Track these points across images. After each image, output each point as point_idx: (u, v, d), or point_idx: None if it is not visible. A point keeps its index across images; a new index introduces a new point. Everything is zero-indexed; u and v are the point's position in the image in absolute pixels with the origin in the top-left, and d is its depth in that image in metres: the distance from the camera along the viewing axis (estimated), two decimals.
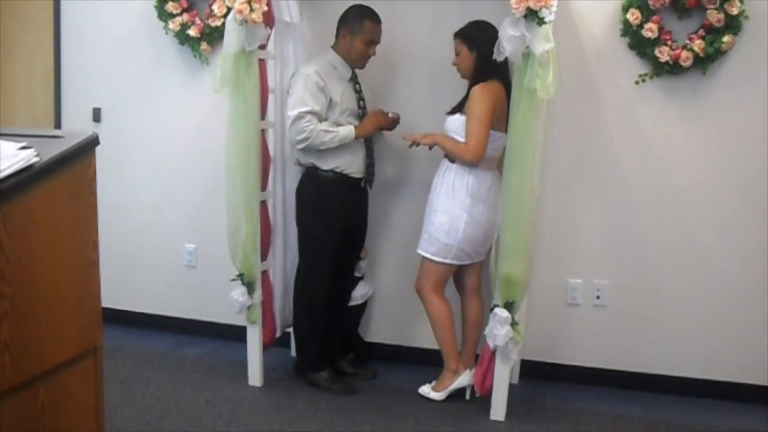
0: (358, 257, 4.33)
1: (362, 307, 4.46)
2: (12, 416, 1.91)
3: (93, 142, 2.14)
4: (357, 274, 4.39)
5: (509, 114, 3.60)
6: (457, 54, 3.87)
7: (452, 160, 3.86)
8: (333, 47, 4.08)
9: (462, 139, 3.78)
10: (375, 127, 4.07)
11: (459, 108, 3.85)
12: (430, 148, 3.98)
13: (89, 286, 2.17)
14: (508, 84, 3.77)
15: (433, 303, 3.94)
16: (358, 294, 4.39)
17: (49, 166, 1.95)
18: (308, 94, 3.89)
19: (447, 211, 3.82)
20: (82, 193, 2.13)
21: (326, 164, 4.00)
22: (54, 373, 2.05)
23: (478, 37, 3.77)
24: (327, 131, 3.90)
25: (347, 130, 3.96)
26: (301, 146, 3.93)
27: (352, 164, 4.03)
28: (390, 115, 4.09)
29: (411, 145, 3.98)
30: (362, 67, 4.09)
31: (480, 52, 3.77)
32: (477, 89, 3.75)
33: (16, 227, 1.86)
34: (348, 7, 4.05)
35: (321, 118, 3.92)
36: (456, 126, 3.81)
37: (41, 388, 2.01)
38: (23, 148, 1.96)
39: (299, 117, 3.87)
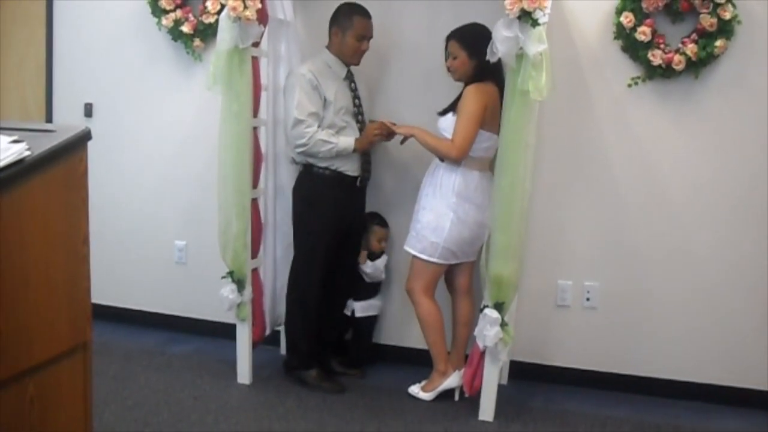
0: (355, 259, 4.31)
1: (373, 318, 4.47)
2: (0, 410, 1.90)
3: (85, 137, 2.13)
4: (372, 279, 4.37)
5: (502, 114, 3.61)
6: (454, 57, 3.85)
7: (442, 159, 3.87)
8: (327, 47, 4.08)
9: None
10: (373, 142, 4.08)
11: (452, 107, 3.85)
12: (404, 141, 3.98)
13: (80, 280, 2.16)
14: (502, 85, 3.77)
15: (423, 305, 3.94)
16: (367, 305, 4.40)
17: (41, 160, 1.94)
18: (304, 95, 3.90)
19: (433, 209, 3.83)
20: (73, 187, 2.12)
21: (322, 162, 4.00)
22: (43, 368, 2.04)
23: (479, 45, 3.71)
24: (325, 141, 3.91)
25: (347, 143, 3.97)
26: (299, 150, 3.95)
27: (347, 162, 4.03)
28: (389, 123, 4.05)
29: (382, 137, 4.04)
30: (357, 64, 4.09)
31: (480, 60, 3.76)
32: (471, 88, 3.76)
33: (7, 221, 1.85)
34: (338, 5, 4.05)
35: (319, 119, 3.92)
36: (448, 125, 3.82)
37: (30, 382, 2.00)
38: (14, 141, 1.95)
39: (299, 121, 3.88)
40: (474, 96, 3.74)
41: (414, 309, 4.00)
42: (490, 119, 3.77)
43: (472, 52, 3.79)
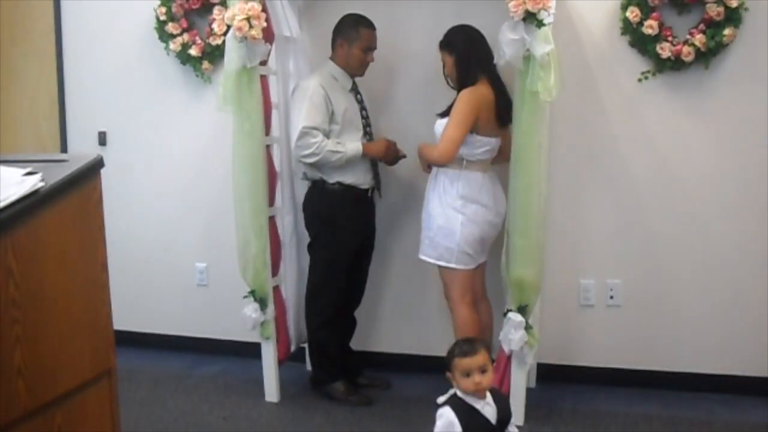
0: (368, 264, 4.32)
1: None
2: None
3: (97, 165, 2.15)
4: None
5: (513, 117, 3.59)
6: (444, 64, 3.88)
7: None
8: (331, 58, 4.09)
9: None
10: (382, 155, 4.09)
11: (449, 111, 3.82)
12: (429, 167, 3.98)
13: (100, 307, 2.18)
14: (497, 81, 3.78)
15: (458, 313, 3.87)
16: None
17: (55, 191, 1.96)
18: (314, 108, 3.89)
19: (442, 214, 3.79)
20: (88, 215, 2.13)
21: (333, 177, 4.00)
22: (69, 397, 2.05)
23: (454, 39, 3.80)
24: (335, 152, 3.91)
25: (355, 149, 3.96)
26: (308, 161, 3.93)
27: (358, 176, 4.03)
28: (400, 153, 4.13)
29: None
30: (362, 75, 4.11)
31: (458, 54, 3.78)
32: (464, 93, 3.74)
33: (25, 253, 1.86)
34: (341, 16, 4.06)
35: (326, 132, 3.92)
36: (442, 130, 3.81)
37: (57, 412, 2.01)
38: (28, 173, 1.97)
39: (305, 133, 3.87)
40: (466, 103, 3.71)
41: (451, 317, 3.96)
42: (487, 124, 3.75)
43: (451, 49, 3.81)
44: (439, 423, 2.73)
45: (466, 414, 2.70)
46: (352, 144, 3.97)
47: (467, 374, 2.70)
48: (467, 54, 3.75)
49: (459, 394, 2.75)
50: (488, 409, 2.73)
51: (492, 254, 3.96)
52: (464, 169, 3.78)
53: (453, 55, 3.81)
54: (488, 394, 2.75)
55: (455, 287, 3.86)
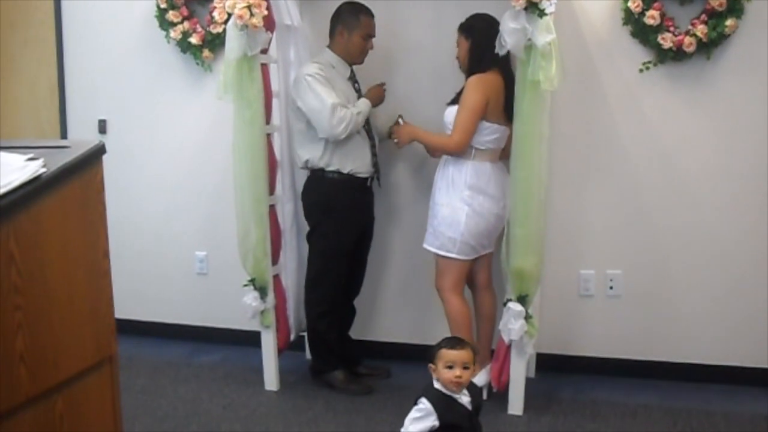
0: (367, 253, 4.32)
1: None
2: (30, 428, 1.91)
3: (99, 151, 2.14)
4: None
5: (514, 107, 3.59)
6: (458, 46, 3.88)
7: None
8: (329, 47, 4.08)
9: None
10: (380, 97, 4.14)
11: (458, 99, 3.83)
12: (400, 144, 4.03)
13: (102, 294, 2.17)
14: (508, 74, 3.77)
15: (451, 303, 3.90)
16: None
17: (57, 176, 1.95)
18: (324, 89, 3.89)
19: (448, 204, 3.80)
20: (90, 202, 2.12)
21: (333, 166, 4.00)
22: (70, 384, 2.04)
23: (473, 26, 3.80)
24: (358, 113, 3.95)
25: (365, 104, 4.01)
26: (345, 133, 3.89)
27: (358, 164, 4.03)
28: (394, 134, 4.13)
29: (396, 142, 4.08)
30: (361, 62, 4.11)
31: (474, 39, 3.78)
32: (472, 80, 3.75)
33: (27, 239, 1.86)
34: (339, 4, 4.06)
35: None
36: (452, 118, 3.80)
37: (58, 399, 2.00)
38: (30, 159, 1.96)
39: (335, 107, 3.85)
40: (475, 88, 3.73)
41: (443, 307, 3.97)
42: (495, 110, 3.76)
43: (468, 34, 3.81)
44: (415, 409, 2.81)
45: (443, 403, 2.78)
46: (360, 103, 4.01)
47: (450, 366, 2.77)
48: (483, 41, 3.73)
49: (436, 385, 2.82)
50: (464, 398, 2.82)
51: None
52: (473, 158, 3.79)
53: (469, 39, 3.81)
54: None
55: (449, 276, 3.88)
